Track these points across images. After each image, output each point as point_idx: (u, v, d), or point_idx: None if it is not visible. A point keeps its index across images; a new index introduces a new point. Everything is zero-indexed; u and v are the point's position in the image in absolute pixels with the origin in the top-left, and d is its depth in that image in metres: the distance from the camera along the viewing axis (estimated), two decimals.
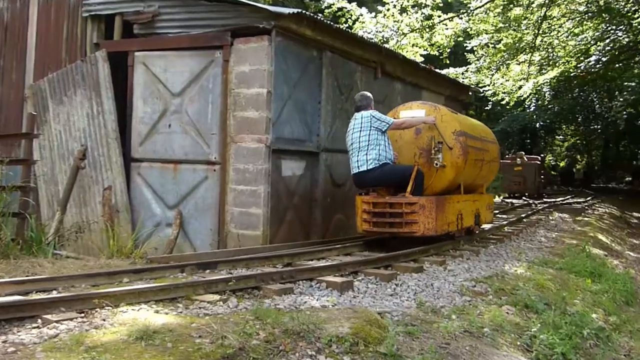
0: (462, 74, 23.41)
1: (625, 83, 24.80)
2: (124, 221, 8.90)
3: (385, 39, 20.19)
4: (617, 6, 19.86)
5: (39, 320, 3.85)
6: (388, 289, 5.66)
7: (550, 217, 15.17)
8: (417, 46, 21.49)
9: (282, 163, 8.68)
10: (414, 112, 8.30)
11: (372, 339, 3.97)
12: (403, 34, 20.74)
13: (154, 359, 3.25)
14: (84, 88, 9.39)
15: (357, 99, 8.12)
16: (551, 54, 22.62)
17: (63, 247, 8.54)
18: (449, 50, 22.25)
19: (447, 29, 21.63)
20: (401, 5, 20.42)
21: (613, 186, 42.53)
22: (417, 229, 7.45)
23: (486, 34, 22.89)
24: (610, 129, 34.78)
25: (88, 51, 9.80)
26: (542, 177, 25.20)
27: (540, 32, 21.05)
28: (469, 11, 22.08)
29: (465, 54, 25.72)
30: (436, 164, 7.87)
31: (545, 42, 22.00)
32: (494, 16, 21.81)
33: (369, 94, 8.13)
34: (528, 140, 41.38)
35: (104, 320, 3.90)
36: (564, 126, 41.88)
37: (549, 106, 31.34)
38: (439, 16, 21.07)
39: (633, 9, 19.84)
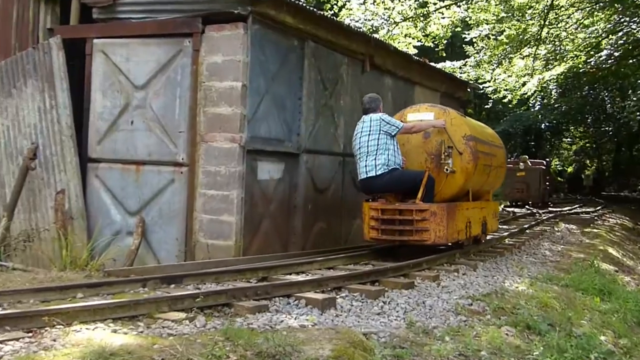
0: (460, 68, 23.59)
1: None
2: (79, 229, 8.83)
3: (374, 28, 20.30)
4: None
5: None
6: (375, 307, 5.68)
7: (556, 228, 15.30)
8: (410, 36, 21.66)
9: (258, 165, 8.68)
10: (422, 114, 8.70)
11: None
12: (395, 22, 20.88)
13: None
14: (36, 79, 9.31)
15: (365, 101, 8.45)
16: (558, 48, 22.82)
17: (9, 257, 8.48)
18: (445, 41, 22.40)
19: (443, 17, 21.81)
20: None
21: (625, 194, 42.84)
22: (427, 237, 7.84)
23: (487, 24, 23.07)
24: (623, 131, 35.25)
25: (41, 37, 9.72)
26: (547, 183, 25.33)
27: (547, 23, 21.23)
28: None
29: (464, 46, 25.89)
30: (446, 170, 8.28)
31: (552, 34, 22.21)
32: (496, 4, 22.00)
33: (377, 96, 8.52)
34: (532, 143, 41.65)
35: (54, 340, 3.88)
36: (571, 127, 42.32)
37: (556, 105, 31.62)
38: (435, 3, 21.22)
39: None
